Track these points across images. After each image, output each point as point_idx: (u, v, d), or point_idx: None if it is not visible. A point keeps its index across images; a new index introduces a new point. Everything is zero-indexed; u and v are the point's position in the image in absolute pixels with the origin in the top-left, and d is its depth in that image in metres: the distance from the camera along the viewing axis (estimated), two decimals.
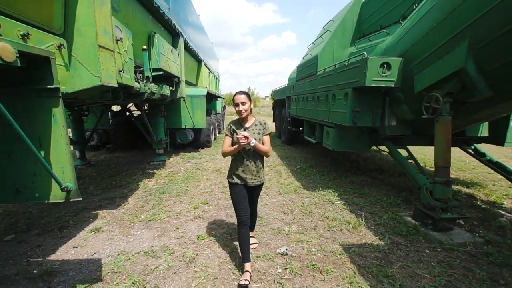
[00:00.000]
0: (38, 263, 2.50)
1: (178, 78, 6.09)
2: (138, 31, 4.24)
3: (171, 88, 5.80)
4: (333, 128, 4.45)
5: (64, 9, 2.51)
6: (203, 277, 2.26)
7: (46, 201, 1.54)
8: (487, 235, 2.93)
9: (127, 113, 8.53)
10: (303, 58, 7.51)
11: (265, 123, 2.37)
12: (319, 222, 3.31)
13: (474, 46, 2.54)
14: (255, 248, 2.70)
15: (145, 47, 4.24)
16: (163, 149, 6.89)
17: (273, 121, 13.00)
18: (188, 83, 8.53)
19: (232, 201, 2.36)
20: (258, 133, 2.28)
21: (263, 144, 2.27)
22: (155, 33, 4.76)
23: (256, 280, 2.23)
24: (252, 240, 2.71)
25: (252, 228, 2.80)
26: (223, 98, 17.18)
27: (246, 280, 2.13)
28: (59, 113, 1.45)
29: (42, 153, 1.44)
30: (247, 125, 2.32)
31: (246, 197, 2.32)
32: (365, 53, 3.60)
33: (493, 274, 2.26)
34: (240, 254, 2.35)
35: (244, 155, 2.29)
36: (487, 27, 2.41)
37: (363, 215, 3.41)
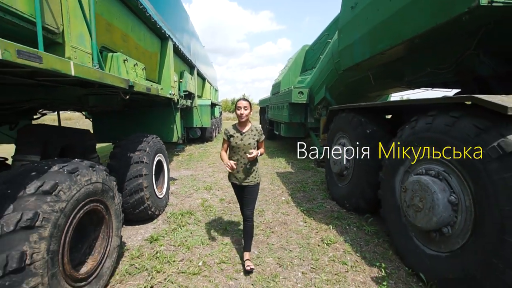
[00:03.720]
0: None
1: (194, 94, 9.69)
2: (177, 71, 7.83)
3: (190, 100, 9.39)
4: (283, 124, 8.10)
5: (159, 72, 6.12)
6: (217, 178, 5.84)
7: (171, 141, 5.09)
8: None
9: None
10: (275, 80, 11.22)
11: (261, 130, 2.59)
12: (269, 167, 6.91)
13: (327, 88, 6.20)
14: (251, 270, 2.40)
15: (181, 80, 7.84)
16: (182, 140, 10.44)
17: (259, 123, 16.63)
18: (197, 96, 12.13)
19: (236, 197, 2.72)
20: (253, 138, 2.49)
21: (258, 148, 2.54)
22: (184, 70, 8.37)
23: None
24: (247, 263, 2.46)
25: (248, 247, 2.58)
26: (221, 106, 20.82)
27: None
28: (179, 114, 5.06)
29: (175, 125, 5.00)
30: (243, 130, 2.51)
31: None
32: (291, 87, 7.30)
33: None
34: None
35: (241, 158, 2.48)
36: (329, 81, 6.07)
37: (290, 164, 7.06)
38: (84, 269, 2.00)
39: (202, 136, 12.10)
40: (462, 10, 2.01)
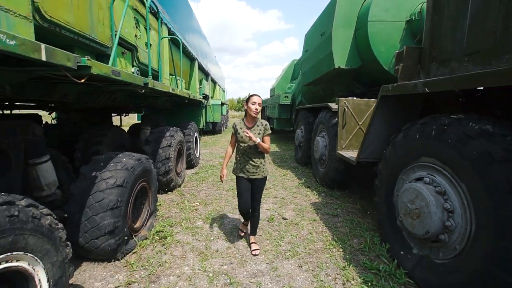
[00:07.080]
0: None
1: (208, 96, 12.67)
2: (199, 80, 10.80)
3: (206, 101, 12.38)
4: (275, 119, 11.05)
5: (189, 82, 9.11)
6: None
7: (199, 127, 8.04)
8: None
9: None
10: (272, 85, 14.15)
11: (266, 124, 2.64)
12: None
13: (303, 94, 9.09)
14: (257, 254, 2.66)
15: (201, 86, 10.82)
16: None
17: None
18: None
19: (236, 192, 2.74)
20: (259, 133, 2.58)
21: (263, 142, 2.58)
22: (202, 78, 11.35)
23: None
24: (253, 246, 2.73)
25: (253, 232, 2.81)
26: (228, 104, 23.84)
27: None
28: (203, 111, 8.04)
29: (202, 117, 7.96)
30: (250, 125, 2.61)
31: (249, 190, 2.66)
32: (280, 91, 10.22)
33: None
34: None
35: (246, 152, 2.60)
36: (303, 90, 8.96)
37: (278, 147, 9.99)
38: (178, 171, 4.96)
39: (213, 129, 15.12)
40: (331, 68, 4.92)
